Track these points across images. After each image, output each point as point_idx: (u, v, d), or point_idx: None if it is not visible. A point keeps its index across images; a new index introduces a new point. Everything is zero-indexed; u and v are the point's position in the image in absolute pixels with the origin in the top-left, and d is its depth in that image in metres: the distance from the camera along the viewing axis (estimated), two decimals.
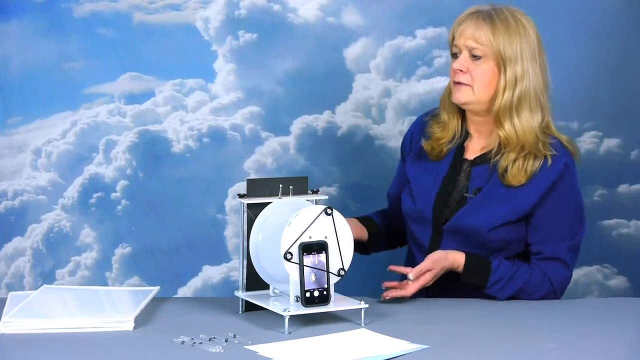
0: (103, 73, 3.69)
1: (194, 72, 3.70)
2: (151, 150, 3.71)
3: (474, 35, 2.73)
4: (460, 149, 2.82)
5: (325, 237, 2.36)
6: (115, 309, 2.56)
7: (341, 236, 2.38)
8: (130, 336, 2.30)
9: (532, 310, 2.57)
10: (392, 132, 3.66)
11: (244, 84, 3.69)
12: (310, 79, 3.64)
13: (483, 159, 2.78)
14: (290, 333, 2.30)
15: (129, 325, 2.34)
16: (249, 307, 2.47)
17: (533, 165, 2.71)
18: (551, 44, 3.57)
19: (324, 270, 2.36)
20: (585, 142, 3.62)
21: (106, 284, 3.68)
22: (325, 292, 2.36)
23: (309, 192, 2.51)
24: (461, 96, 2.75)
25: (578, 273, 3.66)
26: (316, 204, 2.46)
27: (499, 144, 2.75)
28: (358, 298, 2.41)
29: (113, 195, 3.71)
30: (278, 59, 3.66)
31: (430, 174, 2.82)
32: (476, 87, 2.74)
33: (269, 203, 2.46)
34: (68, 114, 3.71)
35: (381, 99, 3.67)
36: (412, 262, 2.81)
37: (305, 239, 2.34)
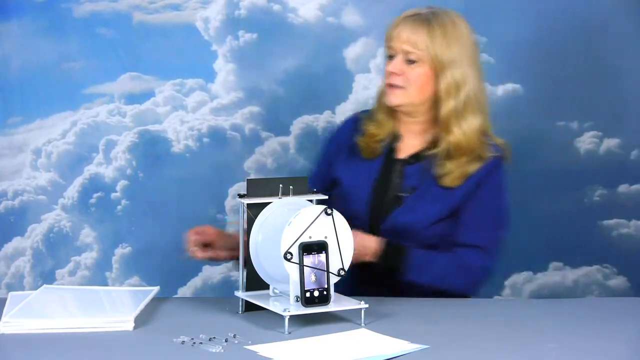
0: (103, 73, 3.69)
1: (194, 72, 3.70)
2: (151, 150, 3.71)
3: (410, 40, 2.73)
4: (392, 149, 2.82)
5: (325, 237, 2.36)
6: (115, 309, 2.56)
7: (341, 236, 2.38)
8: (130, 336, 2.30)
9: (532, 310, 2.57)
10: None
11: (244, 84, 3.69)
12: (310, 79, 3.64)
13: (416, 158, 2.79)
14: (290, 333, 2.30)
15: (129, 325, 2.34)
16: (249, 307, 2.47)
17: (473, 168, 2.74)
18: (551, 43, 3.59)
19: (324, 270, 2.36)
20: (585, 142, 3.62)
21: (106, 284, 3.68)
22: (325, 292, 2.36)
23: (309, 192, 2.51)
24: (395, 98, 2.76)
25: (578, 273, 3.66)
26: (316, 204, 2.46)
27: (447, 150, 2.74)
28: (358, 298, 2.41)
29: (113, 195, 3.71)
30: (278, 59, 3.66)
31: (363, 174, 2.82)
32: (410, 90, 2.75)
33: (269, 203, 2.46)
34: (68, 114, 3.71)
35: None
36: None
37: (305, 239, 2.34)
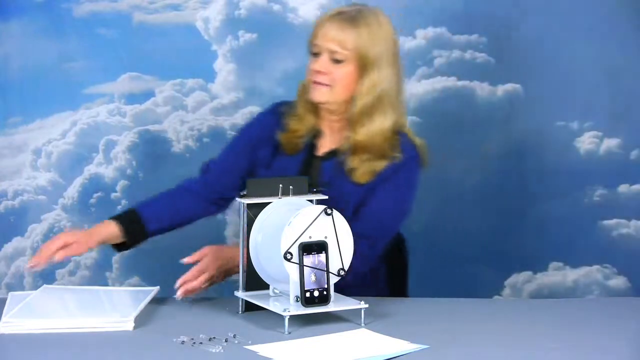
0: (103, 73, 3.69)
1: (194, 72, 3.70)
2: (151, 150, 3.71)
3: (336, 39, 2.71)
4: (313, 145, 2.81)
5: (325, 237, 2.36)
6: (115, 309, 2.56)
7: (341, 236, 2.38)
8: (130, 336, 2.30)
9: (532, 310, 2.57)
10: None
11: (244, 84, 3.69)
12: None
13: (334, 154, 2.77)
14: (290, 333, 2.30)
15: (129, 325, 2.34)
16: (249, 307, 2.47)
17: (380, 165, 2.71)
18: (551, 43, 3.59)
19: (324, 270, 2.36)
20: (585, 142, 3.62)
21: (106, 284, 3.68)
22: (325, 292, 2.36)
23: (309, 192, 2.51)
24: (320, 96, 2.73)
25: (578, 273, 3.66)
26: (316, 204, 2.46)
27: (351, 147, 2.73)
28: (358, 298, 2.41)
29: (113, 195, 3.71)
30: (278, 59, 3.66)
31: (284, 170, 2.77)
32: (335, 88, 2.73)
33: (269, 203, 2.46)
34: (68, 114, 3.71)
35: None
36: None
37: (305, 239, 2.34)
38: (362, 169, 2.71)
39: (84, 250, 2.70)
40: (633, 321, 2.45)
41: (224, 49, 3.68)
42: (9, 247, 3.73)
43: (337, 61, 2.72)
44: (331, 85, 2.73)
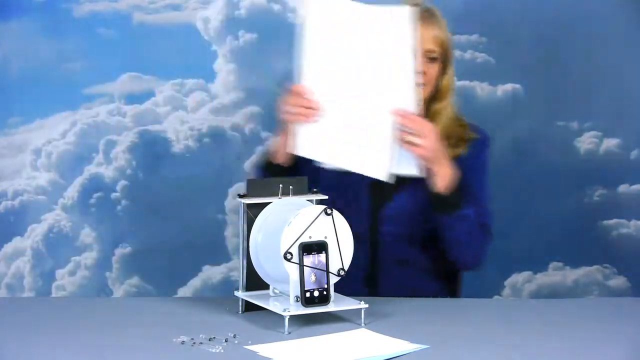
0: (103, 73, 3.69)
1: (194, 72, 3.70)
2: (151, 150, 3.71)
3: (430, 37, 2.74)
4: None
5: (325, 237, 2.36)
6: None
7: (341, 236, 2.38)
8: (130, 336, 2.30)
9: (532, 310, 2.57)
10: None
11: (244, 84, 3.69)
12: None
13: None
14: (290, 333, 2.30)
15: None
16: (249, 307, 2.47)
17: (459, 150, 2.78)
18: (551, 43, 3.59)
19: (324, 270, 2.36)
20: (585, 142, 3.62)
21: (106, 284, 3.69)
22: (325, 292, 2.36)
23: (309, 192, 2.51)
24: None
25: (578, 273, 3.66)
26: (316, 204, 2.46)
27: None
28: (358, 298, 2.41)
29: (113, 195, 3.71)
30: (278, 59, 3.66)
31: None
32: (427, 87, 2.76)
33: (269, 203, 2.46)
34: (68, 114, 3.71)
35: None
36: None
37: (305, 239, 2.34)
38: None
39: None
40: (633, 321, 2.45)
41: (224, 49, 3.68)
42: (9, 247, 3.73)
43: (432, 59, 2.75)
44: (425, 85, 2.75)
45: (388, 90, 2.59)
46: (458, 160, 2.75)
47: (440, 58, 2.78)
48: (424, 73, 2.73)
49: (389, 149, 2.58)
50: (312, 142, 2.63)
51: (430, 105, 2.78)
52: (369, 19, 2.56)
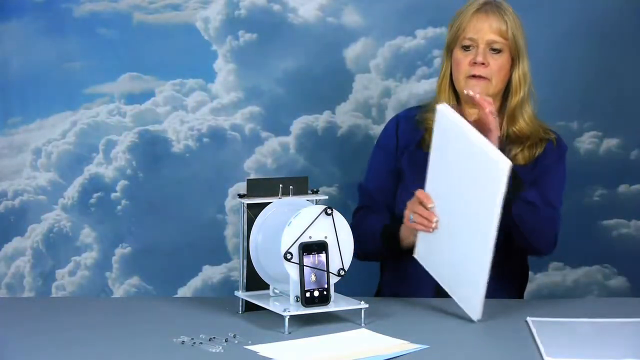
0: (103, 73, 3.69)
1: (194, 72, 3.70)
2: (151, 150, 3.71)
3: (493, 28, 2.75)
4: None
5: (325, 237, 2.37)
6: None
7: (341, 236, 2.38)
8: (130, 336, 2.30)
9: (532, 311, 2.57)
10: None
11: (244, 84, 3.69)
12: (310, 79, 3.64)
13: None
14: (290, 333, 2.31)
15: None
16: (249, 307, 2.47)
17: (538, 150, 2.78)
18: (551, 43, 3.59)
19: (324, 270, 2.36)
20: (585, 142, 3.62)
21: (106, 284, 3.69)
22: (325, 292, 2.36)
23: (309, 192, 2.51)
24: (481, 90, 2.73)
25: (578, 273, 3.66)
26: (316, 204, 2.46)
27: (507, 137, 2.77)
28: (358, 298, 2.41)
29: (113, 195, 3.71)
30: (278, 59, 3.66)
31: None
32: (494, 80, 2.75)
33: (269, 203, 2.46)
34: (68, 114, 3.71)
35: (381, 99, 3.67)
36: (389, 267, 2.87)
37: (305, 239, 2.35)
38: (523, 155, 2.76)
39: None
40: (633, 321, 2.45)
41: (224, 49, 3.68)
42: (9, 247, 3.73)
43: (495, 51, 2.75)
44: (489, 79, 2.74)
45: (475, 230, 2.46)
46: (535, 161, 2.75)
47: (507, 50, 2.76)
48: (486, 64, 2.73)
49: (482, 291, 2.45)
50: (426, 253, 2.58)
51: (504, 102, 2.77)
52: (476, 152, 2.42)
